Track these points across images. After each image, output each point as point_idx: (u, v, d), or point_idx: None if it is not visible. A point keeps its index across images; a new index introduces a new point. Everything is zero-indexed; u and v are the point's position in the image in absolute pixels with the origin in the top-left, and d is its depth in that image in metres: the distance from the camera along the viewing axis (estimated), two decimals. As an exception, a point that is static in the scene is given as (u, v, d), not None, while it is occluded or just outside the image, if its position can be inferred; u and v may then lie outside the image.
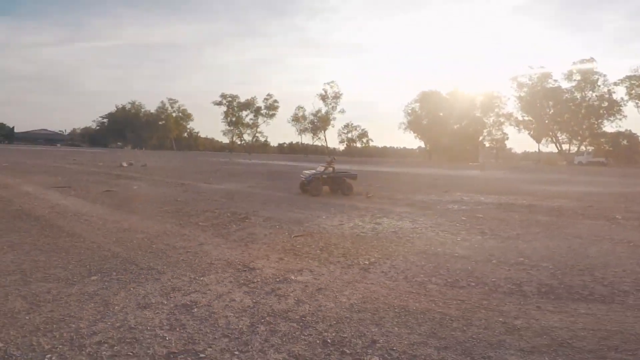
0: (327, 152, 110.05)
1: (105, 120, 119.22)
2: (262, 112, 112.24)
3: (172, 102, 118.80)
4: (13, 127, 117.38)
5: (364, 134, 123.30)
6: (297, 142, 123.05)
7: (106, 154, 50.50)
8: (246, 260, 5.12)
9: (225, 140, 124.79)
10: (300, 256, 5.36)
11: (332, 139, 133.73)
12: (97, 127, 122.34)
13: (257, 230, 7.07)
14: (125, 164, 24.62)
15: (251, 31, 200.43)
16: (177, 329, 3.03)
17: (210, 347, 2.75)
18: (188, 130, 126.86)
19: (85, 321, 3.10)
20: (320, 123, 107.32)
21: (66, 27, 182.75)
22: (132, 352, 2.64)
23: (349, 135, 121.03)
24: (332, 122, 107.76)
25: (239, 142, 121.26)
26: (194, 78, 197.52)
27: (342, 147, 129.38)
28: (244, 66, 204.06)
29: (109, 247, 5.62)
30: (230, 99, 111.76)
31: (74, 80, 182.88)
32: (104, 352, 2.63)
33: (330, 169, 13.04)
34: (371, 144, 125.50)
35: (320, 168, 13.39)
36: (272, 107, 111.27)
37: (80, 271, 4.46)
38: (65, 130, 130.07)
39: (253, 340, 2.88)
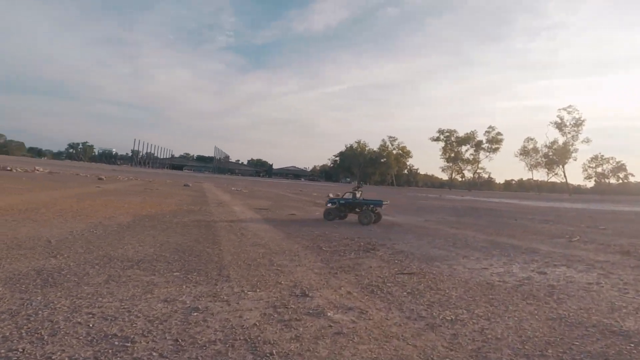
0: (567, 189, 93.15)
1: (337, 158, 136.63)
2: (483, 146, 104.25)
3: (392, 139, 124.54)
4: (272, 164, 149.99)
5: (620, 168, 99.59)
6: (529, 179, 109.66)
7: (331, 187, 57.34)
8: (309, 285, 4.71)
9: (445, 176, 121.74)
10: (374, 295, 4.49)
11: (574, 174, 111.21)
12: (331, 165, 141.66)
13: (369, 261, 6.42)
14: (332, 195, 27.32)
15: (465, 61, 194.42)
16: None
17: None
18: (408, 167, 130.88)
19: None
20: (556, 156, 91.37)
21: (304, 76, 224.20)
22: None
23: (599, 169, 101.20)
24: (573, 154, 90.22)
25: (460, 179, 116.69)
26: (411, 114, 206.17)
27: (589, 183, 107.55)
28: (461, 98, 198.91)
29: (223, 255, 6.25)
30: (447, 134, 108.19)
31: (312, 123, 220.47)
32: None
33: (352, 195, 13.14)
34: (632, 179, 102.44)
35: (348, 195, 13.41)
36: (494, 141, 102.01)
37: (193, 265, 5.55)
38: (308, 168, 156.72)
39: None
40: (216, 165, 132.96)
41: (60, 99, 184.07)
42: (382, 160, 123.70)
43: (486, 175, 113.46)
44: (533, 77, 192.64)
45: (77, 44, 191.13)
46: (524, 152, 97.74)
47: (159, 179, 38.80)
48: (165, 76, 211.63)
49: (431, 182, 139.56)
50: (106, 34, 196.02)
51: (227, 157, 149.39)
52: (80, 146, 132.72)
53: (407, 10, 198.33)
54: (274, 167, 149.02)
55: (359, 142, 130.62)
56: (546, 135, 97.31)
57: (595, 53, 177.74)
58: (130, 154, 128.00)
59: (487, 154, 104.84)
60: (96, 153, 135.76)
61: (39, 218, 8.84)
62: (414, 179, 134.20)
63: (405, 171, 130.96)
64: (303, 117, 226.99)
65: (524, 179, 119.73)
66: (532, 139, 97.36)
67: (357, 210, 12.89)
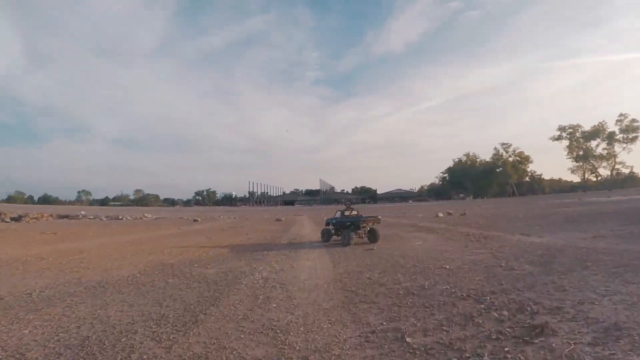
0: None
1: (445, 174, 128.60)
2: (617, 137, 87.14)
3: (506, 146, 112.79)
4: (376, 190, 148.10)
5: None
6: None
7: (440, 205, 53.31)
8: None
9: (576, 178, 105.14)
10: None
11: None
12: (440, 182, 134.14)
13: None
14: (441, 214, 23.97)
15: (568, 52, 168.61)
16: None
17: None
18: (529, 174, 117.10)
19: None
20: None
21: (394, 97, 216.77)
22: None
23: None
24: None
25: (595, 179, 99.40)
26: (521, 117, 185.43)
27: None
28: (573, 89, 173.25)
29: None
30: (570, 130, 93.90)
31: (412, 143, 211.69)
32: None
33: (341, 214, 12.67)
34: None
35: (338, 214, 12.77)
36: (630, 129, 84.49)
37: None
38: (415, 188, 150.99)
39: None
40: (323, 197, 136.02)
41: (183, 152, 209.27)
42: (497, 170, 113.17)
43: (627, 170, 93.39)
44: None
45: (189, 99, 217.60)
46: None
47: (259, 215, 38.31)
48: (267, 118, 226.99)
49: (559, 187, 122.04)
50: (211, 86, 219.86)
51: (332, 188, 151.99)
52: (205, 193, 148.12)
53: (489, 11, 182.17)
54: (379, 192, 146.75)
55: (467, 155, 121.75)
56: None
57: None
58: (247, 195, 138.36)
59: (624, 145, 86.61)
60: (219, 197, 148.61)
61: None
62: (538, 186, 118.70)
63: (527, 178, 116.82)
64: (401, 138, 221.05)
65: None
66: None
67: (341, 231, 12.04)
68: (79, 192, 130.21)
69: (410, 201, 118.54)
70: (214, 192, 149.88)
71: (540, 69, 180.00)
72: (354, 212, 13.03)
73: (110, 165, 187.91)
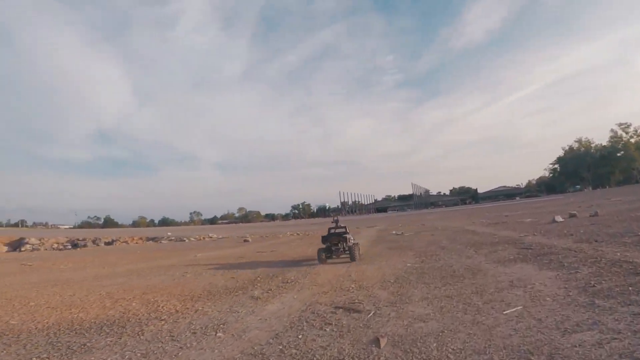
0: None
1: (556, 166, 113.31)
2: None
3: (624, 127, 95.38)
4: (476, 189, 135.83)
5: None
6: None
7: (554, 202, 44.49)
8: None
9: None
10: None
11: None
12: (550, 175, 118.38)
13: None
14: (560, 218, 15.78)
15: None
16: None
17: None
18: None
19: None
20: None
21: (484, 89, 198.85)
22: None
23: None
24: None
25: None
26: (633, 94, 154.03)
27: None
28: None
29: None
30: None
31: (512, 135, 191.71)
32: None
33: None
34: None
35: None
36: None
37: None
38: (522, 184, 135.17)
39: None
40: (416, 202, 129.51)
41: (278, 169, 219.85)
42: (617, 154, 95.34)
43: None
44: None
45: (278, 119, 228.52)
46: None
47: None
48: (351, 128, 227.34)
49: None
50: (295, 103, 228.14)
51: (427, 191, 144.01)
52: (300, 206, 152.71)
53: None
54: (480, 191, 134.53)
55: (580, 141, 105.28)
56: None
57: None
58: (340, 205, 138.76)
59: None
60: (314, 210, 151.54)
61: None
62: None
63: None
64: (498, 133, 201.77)
65: None
66: None
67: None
68: (190, 213, 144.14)
69: (517, 198, 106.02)
70: (308, 205, 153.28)
71: None
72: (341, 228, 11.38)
73: (216, 187, 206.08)
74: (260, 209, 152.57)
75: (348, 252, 10.41)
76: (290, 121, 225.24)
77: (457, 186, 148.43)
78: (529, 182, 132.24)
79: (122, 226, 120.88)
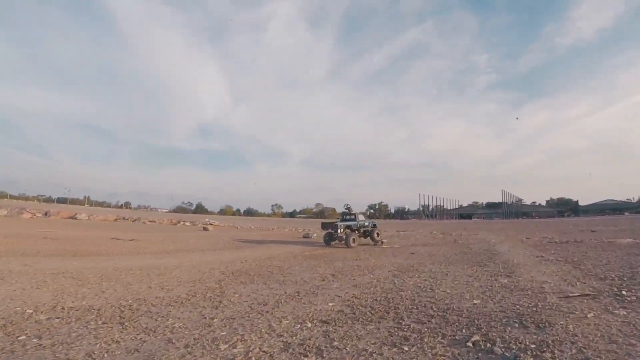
0: None
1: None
2: None
3: None
4: (577, 201, 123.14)
5: None
6: None
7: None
8: None
9: None
10: None
11: None
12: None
13: None
14: None
15: None
16: None
17: None
18: None
19: None
20: None
21: (595, 92, 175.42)
22: None
23: None
24: None
25: None
26: None
27: None
28: None
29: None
30: None
31: (625, 143, 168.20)
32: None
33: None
34: None
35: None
36: None
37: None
38: (634, 198, 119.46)
39: None
40: (506, 210, 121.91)
41: (360, 169, 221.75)
42: None
43: None
44: None
45: (363, 119, 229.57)
46: None
47: (424, 229, 32.54)
48: (440, 130, 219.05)
49: None
50: (381, 103, 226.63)
51: (520, 200, 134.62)
52: (377, 206, 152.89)
53: None
54: (583, 203, 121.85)
55: None
56: None
57: None
58: (420, 208, 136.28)
59: None
60: (392, 211, 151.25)
61: None
62: None
63: None
64: (609, 140, 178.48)
65: None
66: None
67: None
68: (272, 205, 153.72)
69: (626, 213, 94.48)
70: (385, 205, 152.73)
71: None
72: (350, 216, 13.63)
73: (299, 182, 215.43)
74: (337, 206, 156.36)
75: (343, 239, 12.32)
76: (374, 121, 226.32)
77: (555, 197, 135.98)
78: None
79: (210, 213, 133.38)
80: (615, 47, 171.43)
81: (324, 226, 12.73)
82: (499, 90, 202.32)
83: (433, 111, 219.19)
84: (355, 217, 12.55)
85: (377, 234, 12.82)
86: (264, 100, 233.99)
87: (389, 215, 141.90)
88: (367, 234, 13.03)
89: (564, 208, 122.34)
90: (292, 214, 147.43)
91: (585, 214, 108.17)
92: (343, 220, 12.54)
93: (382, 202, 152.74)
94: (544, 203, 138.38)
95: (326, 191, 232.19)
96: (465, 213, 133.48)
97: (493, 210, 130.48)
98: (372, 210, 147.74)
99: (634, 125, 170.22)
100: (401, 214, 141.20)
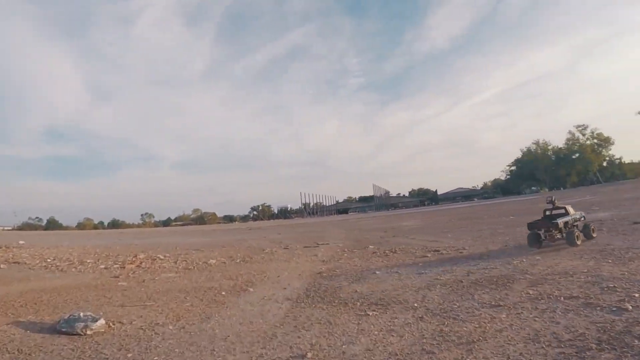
0: None
1: (512, 167, 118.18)
2: None
3: (582, 128, 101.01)
4: (436, 191, 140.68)
5: None
6: None
7: (520, 203, 46.71)
8: None
9: None
10: None
11: None
12: (507, 176, 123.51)
13: None
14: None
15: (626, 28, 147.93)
16: None
17: None
18: (607, 158, 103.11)
19: None
20: None
21: (446, 93, 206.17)
22: None
23: None
24: None
25: None
26: (585, 100, 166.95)
27: None
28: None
29: None
30: None
31: (471, 139, 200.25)
32: None
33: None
34: None
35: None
36: None
37: None
38: (478, 186, 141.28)
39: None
40: (377, 203, 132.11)
41: (243, 170, 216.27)
42: (573, 156, 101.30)
43: None
44: None
45: (244, 118, 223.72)
46: None
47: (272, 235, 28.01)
48: (318, 129, 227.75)
49: None
50: (263, 103, 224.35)
51: (388, 192, 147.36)
52: (260, 207, 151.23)
53: None
54: (440, 192, 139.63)
55: (537, 143, 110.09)
56: None
57: None
58: (301, 206, 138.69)
59: None
60: (275, 211, 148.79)
61: None
62: (619, 171, 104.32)
63: (604, 164, 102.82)
64: (458, 136, 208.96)
65: None
66: None
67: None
68: (142, 214, 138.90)
69: (475, 199, 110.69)
70: (268, 206, 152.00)
71: (600, 46, 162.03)
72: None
73: (173, 187, 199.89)
74: (218, 211, 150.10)
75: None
76: (258, 121, 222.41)
77: (416, 188, 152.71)
78: (485, 184, 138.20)
79: (66, 228, 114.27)
80: (461, 53, 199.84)
81: (531, 226, 9.92)
82: (367, 91, 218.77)
83: (312, 111, 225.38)
84: (566, 210, 10.57)
85: (593, 229, 10.36)
86: (133, 100, 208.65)
87: (272, 216, 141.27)
88: (584, 229, 10.46)
89: (424, 197, 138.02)
90: (166, 223, 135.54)
91: (443, 202, 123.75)
92: (551, 217, 10.37)
93: (265, 203, 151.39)
94: (407, 194, 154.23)
95: (205, 195, 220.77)
96: (342, 208, 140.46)
97: (366, 203, 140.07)
98: (255, 212, 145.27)
99: (476, 122, 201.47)
100: (284, 213, 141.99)
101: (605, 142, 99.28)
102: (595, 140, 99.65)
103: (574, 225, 10.16)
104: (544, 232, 9.79)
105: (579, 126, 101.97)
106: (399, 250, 11.83)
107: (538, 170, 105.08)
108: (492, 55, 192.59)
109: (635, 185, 47.82)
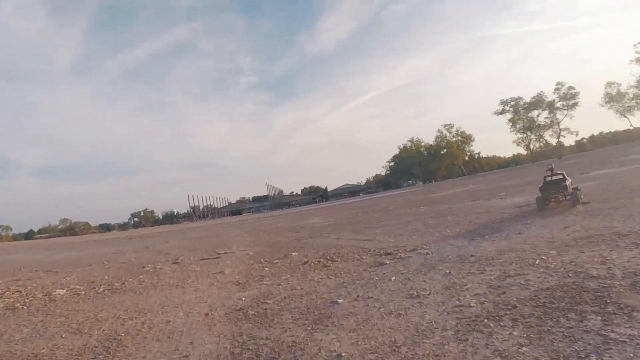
0: None
1: (391, 163, 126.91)
2: (557, 105, 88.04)
3: (448, 127, 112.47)
4: (326, 187, 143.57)
5: None
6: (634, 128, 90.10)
7: (396, 196, 48.46)
8: None
9: (522, 151, 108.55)
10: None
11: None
12: (387, 172, 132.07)
13: None
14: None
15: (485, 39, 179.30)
16: None
17: None
18: (468, 153, 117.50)
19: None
20: None
21: (333, 94, 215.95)
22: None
23: None
24: None
25: (539, 149, 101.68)
26: (455, 102, 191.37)
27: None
28: (498, 74, 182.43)
29: None
30: (513, 102, 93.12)
31: (355, 137, 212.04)
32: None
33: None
34: None
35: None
36: (569, 96, 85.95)
37: None
38: (362, 182, 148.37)
39: None
40: (271, 202, 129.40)
41: (120, 174, 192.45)
42: (442, 152, 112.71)
43: (573, 136, 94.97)
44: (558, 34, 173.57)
45: (119, 118, 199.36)
46: (610, 99, 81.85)
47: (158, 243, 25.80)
48: (206, 129, 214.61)
49: (495, 163, 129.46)
50: (142, 101, 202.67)
51: (281, 191, 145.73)
52: (142, 213, 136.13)
53: (412, 2, 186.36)
54: (329, 189, 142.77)
55: (412, 140, 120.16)
56: (630, 74, 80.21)
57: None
58: (190, 210, 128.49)
59: (565, 112, 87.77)
60: (160, 216, 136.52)
61: None
62: (478, 165, 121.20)
63: (467, 158, 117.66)
64: (344, 135, 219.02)
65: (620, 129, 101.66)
66: (613, 83, 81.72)
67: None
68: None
69: (360, 194, 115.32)
70: (151, 212, 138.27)
71: (465, 54, 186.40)
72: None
73: (35, 196, 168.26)
74: (92, 220, 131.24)
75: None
76: (135, 121, 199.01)
77: (308, 186, 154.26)
78: (368, 179, 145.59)
79: None
80: (347, 57, 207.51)
81: (544, 189, 10.90)
82: (259, 91, 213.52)
83: (201, 110, 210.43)
84: (563, 176, 11.37)
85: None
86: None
87: (157, 222, 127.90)
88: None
89: (316, 194, 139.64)
90: (28, 235, 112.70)
91: (333, 198, 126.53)
92: (553, 182, 11.30)
93: (146, 208, 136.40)
94: (299, 192, 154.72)
95: (77, 203, 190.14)
96: (236, 209, 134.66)
97: (260, 203, 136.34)
98: (136, 219, 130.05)
99: (358, 122, 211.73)
100: (171, 218, 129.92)
101: (467, 139, 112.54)
102: (459, 138, 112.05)
103: (575, 188, 11.11)
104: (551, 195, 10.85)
105: (446, 125, 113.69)
106: (334, 256, 9.05)
107: (413, 165, 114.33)
108: (375, 59, 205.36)
109: (500, 175, 53.70)
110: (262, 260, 10.12)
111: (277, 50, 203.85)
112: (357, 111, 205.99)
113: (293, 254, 10.54)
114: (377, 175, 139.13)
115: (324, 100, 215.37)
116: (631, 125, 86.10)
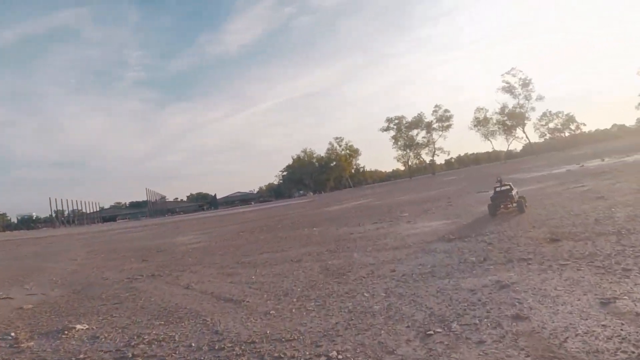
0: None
1: (284, 172, 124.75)
2: (434, 126, 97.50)
3: (339, 140, 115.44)
4: (215, 195, 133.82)
5: (570, 119, 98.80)
6: (493, 150, 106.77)
7: (271, 209, 43.83)
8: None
9: (400, 166, 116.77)
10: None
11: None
12: (280, 181, 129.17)
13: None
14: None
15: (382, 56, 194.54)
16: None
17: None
18: (355, 167, 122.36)
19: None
20: (512, 120, 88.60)
21: (232, 99, 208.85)
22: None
23: (550, 125, 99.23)
24: (529, 113, 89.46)
25: (416, 165, 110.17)
26: (348, 116, 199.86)
27: (543, 141, 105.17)
28: (387, 92, 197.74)
29: None
30: (397, 121, 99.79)
31: (250, 144, 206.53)
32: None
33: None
34: (584, 129, 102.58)
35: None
36: (444, 119, 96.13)
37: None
38: (254, 190, 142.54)
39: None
40: (152, 209, 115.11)
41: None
42: (331, 164, 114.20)
43: (446, 154, 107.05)
44: (442, 61, 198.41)
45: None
46: (478, 123, 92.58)
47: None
48: (77, 124, 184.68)
49: (378, 177, 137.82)
50: (1, 88, 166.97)
51: (164, 197, 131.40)
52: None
53: (320, 16, 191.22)
54: (218, 196, 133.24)
55: (305, 151, 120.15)
56: (496, 101, 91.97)
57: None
58: (53, 214, 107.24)
59: (440, 133, 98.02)
60: (15, 221, 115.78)
61: None
62: (363, 178, 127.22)
63: (353, 171, 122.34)
64: (239, 141, 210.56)
65: (489, 151, 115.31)
66: (481, 109, 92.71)
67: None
68: None
69: (252, 203, 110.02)
70: (4, 215, 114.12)
71: (361, 70, 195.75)
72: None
73: None
74: None
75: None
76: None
77: (195, 192, 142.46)
78: (261, 188, 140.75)
79: None
80: (250, 62, 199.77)
81: (494, 198, 11.36)
82: (146, 88, 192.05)
83: (73, 102, 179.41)
84: (510, 186, 11.63)
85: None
86: None
87: (10, 226, 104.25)
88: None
89: (203, 202, 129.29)
90: None
91: (222, 206, 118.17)
92: (502, 192, 11.58)
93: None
94: (185, 198, 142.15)
95: None
96: (109, 215, 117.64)
97: (138, 209, 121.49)
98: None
99: (256, 129, 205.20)
100: (28, 223, 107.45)
101: (355, 152, 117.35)
102: (347, 151, 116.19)
103: (521, 197, 11.66)
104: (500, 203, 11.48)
105: (337, 138, 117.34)
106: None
107: (305, 175, 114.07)
108: (280, 68, 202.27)
109: (385, 188, 53.59)
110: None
111: (174, 47, 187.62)
112: (257, 117, 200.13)
113: (78, 326, 4.80)
114: (270, 184, 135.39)
115: (222, 104, 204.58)
116: (493, 148, 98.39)
